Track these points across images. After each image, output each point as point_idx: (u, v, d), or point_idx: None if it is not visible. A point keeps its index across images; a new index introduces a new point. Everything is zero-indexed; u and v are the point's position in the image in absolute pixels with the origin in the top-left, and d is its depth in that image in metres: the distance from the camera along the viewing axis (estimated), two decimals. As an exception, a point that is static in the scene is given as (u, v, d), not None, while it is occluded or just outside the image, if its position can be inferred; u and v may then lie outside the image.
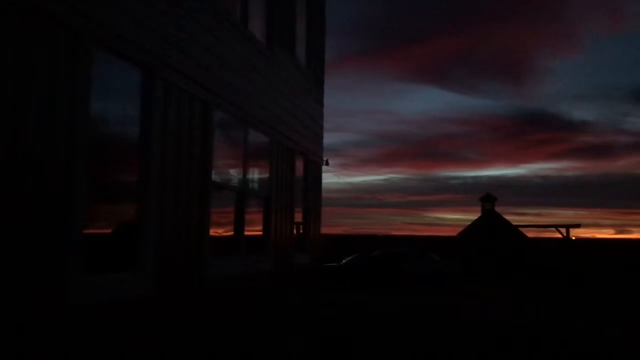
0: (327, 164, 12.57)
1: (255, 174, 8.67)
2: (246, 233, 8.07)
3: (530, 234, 31.99)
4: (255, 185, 8.71)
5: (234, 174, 7.95)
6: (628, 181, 52.63)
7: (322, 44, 12.37)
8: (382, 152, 64.76)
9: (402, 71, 54.87)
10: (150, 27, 5.57)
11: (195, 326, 6.26)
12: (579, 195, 59.16)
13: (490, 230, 30.72)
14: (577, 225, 30.92)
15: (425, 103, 64.17)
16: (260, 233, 8.72)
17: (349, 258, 24.83)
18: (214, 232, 6.98)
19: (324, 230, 12.93)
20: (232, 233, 7.82)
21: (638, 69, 56.03)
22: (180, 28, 6.16)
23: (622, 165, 57.93)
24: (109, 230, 5.33)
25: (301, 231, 10.97)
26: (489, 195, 32.33)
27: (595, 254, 30.70)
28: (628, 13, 45.54)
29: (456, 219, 77.87)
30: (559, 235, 30.43)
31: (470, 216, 34.03)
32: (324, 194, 12.46)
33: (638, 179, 54.75)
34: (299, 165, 10.62)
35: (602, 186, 54.66)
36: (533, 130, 59.03)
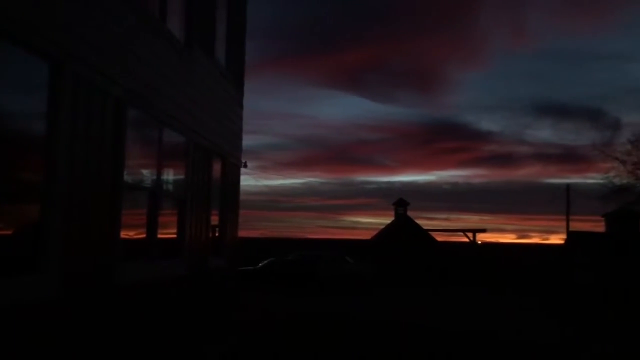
0: (245, 166, 12.47)
1: (170, 175, 8.45)
2: (160, 236, 7.84)
3: (440, 238, 33.31)
4: (170, 186, 8.49)
5: (148, 174, 7.70)
6: (529, 189, 56.03)
7: (243, 46, 12.28)
8: (300, 156, 65.12)
9: (320, 76, 55.48)
10: (58, 17, 5.29)
11: (102, 334, 5.99)
12: (485, 202, 62.39)
13: (403, 234, 31.67)
14: (483, 230, 32.60)
15: (342, 109, 65.19)
16: (175, 236, 8.50)
17: (265, 261, 24.75)
18: (125, 234, 6.73)
19: (241, 233, 12.82)
20: (144, 236, 7.57)
21: (538, 83, 59.87)
22: (93, 20, 5.90)
23: (523, 173, 61.61)
24: (10, 232, 5.00)
25: (217, 234, 10.81)
26: (401, 200, 33.31)
27: (500, 257, 32.43)
28: (531, 31, 48.61)
29: (371, 222, 79.61)
30: (466, 240, 31.91)
31: (384, 220, 34.84)
32: (241, 197, 12.36)
33: (538, 186, 58.46)
34: (217, 167, 10.46)
35: (505, 193, 57.88)
36: (443, 139, 61.57)
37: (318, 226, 68.97)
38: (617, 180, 24.60)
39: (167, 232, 8.26)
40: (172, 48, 8.06)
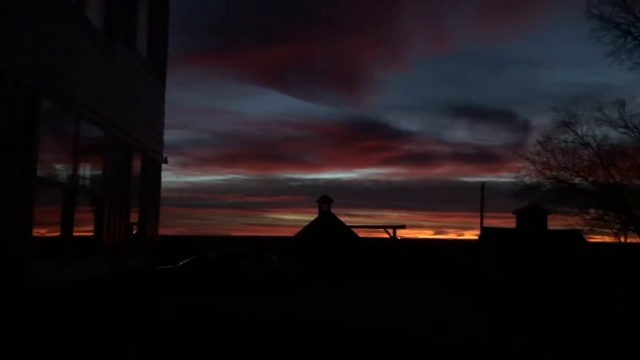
0: (166, 162, 12.12)
1: (87, 170, 8.07)
2: (76, 234, 7.47)
3: (362, 234, 33.97)
4: (87, 182, 8.11)
5: (63, 169, 7.32)
6: (445, 187, 58.30)
7: (165, 38, 11.92)
8: (223, 152, 64.33)
9: (246, 73, 55.12)
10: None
11: (11, 339, 5.64)
12: (404, 199, 64.29)
13: (327, 231, 31.99)
14: (403, 227, 33.57)
15: (267, 106, 65.04)
16: (92, 234, 8.14)
17: (186, 260, 24.23)
18: (38, 232, 6.36)
19: (162, 231, 12.46)
20: (59, 234, 7.19)
21: (455, 86, 62.42)
22: (2, 6, 5.52)
23: (440, 172, 64.04)
24: None
25: (137, 232, 10.45)
26: (325, 197, 33.64)
27: (418, 253, 33.50)
28: (450, 36, 50.54)
29: (295, 219, 79.99)
30: (387, 236, 32.70)
31: (308, 217, 35.04)
32: (162, 194, 12.01)
33: (454, 185, 60.91)
34: (137, 163, 10.11)
35: (423, 191, 59.87)
36: (365, 138, 62.89)
37: (241, 223, 68.39)
38: (527, 179, 26.00)
39: (84, 230, 7.90)
40: (92, 37, 7.70)
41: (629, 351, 10.72)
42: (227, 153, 63.39)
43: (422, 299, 19.45)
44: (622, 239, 25.14)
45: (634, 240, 24.48)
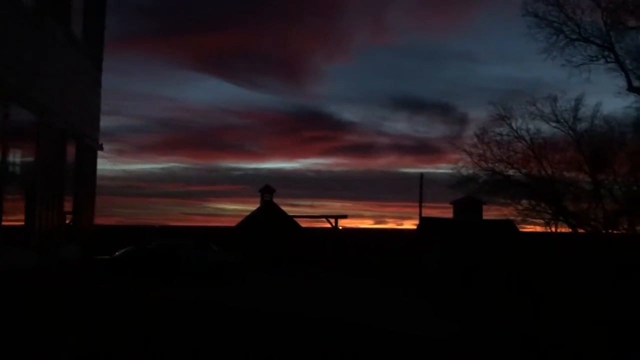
0: (101, 149, 11.71)
1: (17, 157, 7.69)
2: (5, 223, 7.12)
3: (304, 224, 34.04)
4: (17, 169, 7.73)
5: (-9, 155, 6.95)
6: (386, 177, 59.14)
7: (102, 21, 11.47)
8: (161, 140, 62.62)
9: (185, 59, 53.78)
10: None
11: None
12: (346, 189, 64.83)
13: (269, 221, 31.89)
14: (344, 216, 33.85)
15: (208, 93, 63.58)
16: (23, 223, 7.78)
17: (123, 250, 23.57)
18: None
19: (97, 220, 12.07)
20: (-14, 223, 6.83)
21: (397, 78, 63.25)
22: None
23: (381, 163, 64.90)
24: None
25: (71, 221, 10.07)
26: (268, 187, 33.47)
27: (359, 242, 33.96)
28: (392, 28, 51.15)
29: (237, 209, 79.14)
30: (329, 225, 32.96)
31: (250, 207, 34.76)
32: (97, 182, 11.61)
33: (394, 175, 61.90)
34: (71, 149, 9.72)
35: (365, 181, 60.57)
36: (308, 128, 62.86)
37: (181, 213, 66.91)
38: (464, 171, 26.74)
39: (14, 219, 7.53)
40: (23, 17, 7.30)
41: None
42: (165, 140, 61.78)
43: (361, 287, 19.77)
44: (553, 229, 26.35)
45: (563, 230, 25.67)
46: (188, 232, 30.43)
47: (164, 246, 24.00)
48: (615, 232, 23.48)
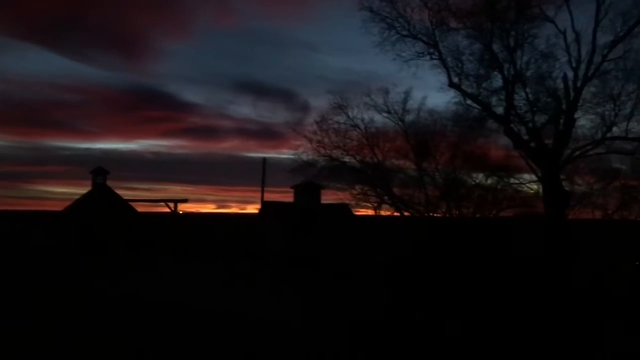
0: None
1: None
2: None
3: (141, 208, 32.66)
4: None
5: None
6: (229, 161, 58.82)
7: None
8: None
9: (6, 26, 48.33)
10: None
11: None
12: (187, 173, 63.36)
13: (101, 205, 30.07)
14: (185, 201, 33.10)
15: (32, 64, 58.06)
16: None
17: None
18: None
19: None
20: None
21: (241, 62, 63.06)
22: None
23: (224, 146, 64.40)
24: None
25: None
26: (100, 169, 31.53)
27: (200, 226, 33.49)
28: (236, 11, 50.73)
29: (65, 192, 73.39)
30: (168, 210, 31.98)
31: (80, 190, 32.48)
32: None
33: (237, 159, 61.86)
34: None
35: (207, 165, 59.66)
36: (147, 107, 60.27)
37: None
38: (304, 156, 27.43)
39: None
40: None
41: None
42: (-21, 114, 55.19)
43: (201, 273, 19.59)
44: (380, 212, 28.20)
45: (388, 213, 27.60)
46: (6, 217, 27.61)
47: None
48: (435, 214, 25.77)
